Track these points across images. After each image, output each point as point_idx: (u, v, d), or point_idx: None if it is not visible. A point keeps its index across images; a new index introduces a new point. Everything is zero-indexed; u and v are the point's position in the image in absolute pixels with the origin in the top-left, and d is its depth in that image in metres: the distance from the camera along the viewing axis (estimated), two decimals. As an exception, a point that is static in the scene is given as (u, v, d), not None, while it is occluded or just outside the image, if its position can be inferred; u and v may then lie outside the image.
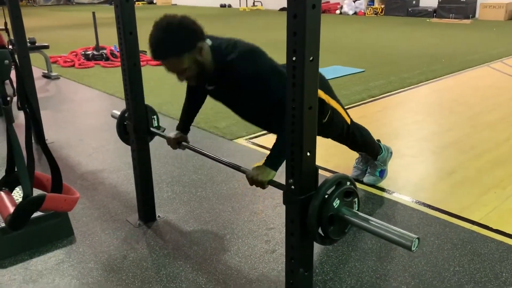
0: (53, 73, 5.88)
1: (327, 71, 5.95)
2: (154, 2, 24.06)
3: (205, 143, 3.42)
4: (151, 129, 2.18)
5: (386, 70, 5.98)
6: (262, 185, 1.62)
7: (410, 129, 3.72)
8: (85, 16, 14.83)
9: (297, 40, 1.16)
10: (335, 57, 7.03)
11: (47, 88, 5.45)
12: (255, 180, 1.63)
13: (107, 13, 12.93)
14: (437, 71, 5.84)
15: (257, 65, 1.69)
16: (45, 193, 1.26)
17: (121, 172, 2.90)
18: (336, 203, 1.33)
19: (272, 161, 1.66)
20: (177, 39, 1.61)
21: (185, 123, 2.13)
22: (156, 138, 2.26)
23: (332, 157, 3.09)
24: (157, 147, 3.01)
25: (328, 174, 2.74)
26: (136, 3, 24.96)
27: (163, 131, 2.19)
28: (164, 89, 5.05)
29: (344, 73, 5.79)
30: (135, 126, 2.11)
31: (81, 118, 4.22)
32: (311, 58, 1.19)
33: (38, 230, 2.01)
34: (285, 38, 1.19)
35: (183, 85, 2.01)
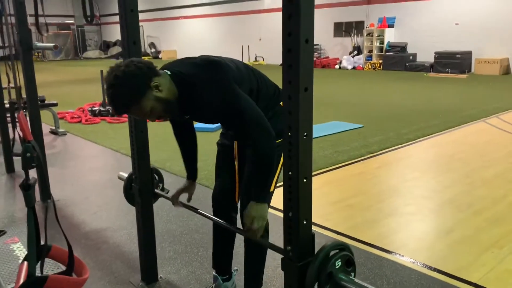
0: (60, 129, 6.06)
1: (327, 126, 6.11)
2: (160, 56, 24.89)
3: (208, 201, 3.48)
4: (156, 191, 2.26)
5: (384, 126, 6.14)
6: (261, 229, 1.68)
7: (409, 186, 3.80)
8: (92, 71, 15.36)
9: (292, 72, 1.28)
10: (334, 112, 7.23)
11: (54, 144, 5.60)
12: (253, 232, 1.68)
13: (114, 69, 13.40)
14: (434, 126, 5.99)
15: (217, 79, 1.67)
16: (49, 275, 1.33)
17: (124, 231, 2.96)
18: (334, 269, 1.38)
19: (257, 196, 1.69)
20: (127, 90, 1.58)
21: (189, 168, 2.10)
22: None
23: (331, 215, 3.15)
24: (160, 205, 3.09)
25: (327, 233, 2.79)
26: (142, 58, 25.76)
27: (167, 193, 2.27)
28: (168, 145, 5.18)
29: (343, 129, 5.94)
30: (141, 189, 2.20)
31: (86, 175, 4.32)
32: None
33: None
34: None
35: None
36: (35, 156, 1.19)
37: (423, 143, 5.23)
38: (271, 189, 1.89)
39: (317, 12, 17.31)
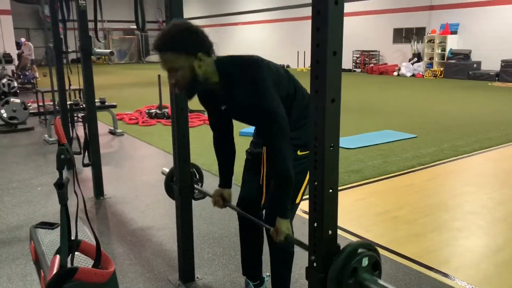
0: (118, 130, 6.38)
1: (378, 135, 5.99)
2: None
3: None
4: (196, 191, 2.34)
5: (439, 136, 5.91)
6: (284, 239, 1.71)
7: (459, 201, 3.64)
8: (153, 74, 15.95)
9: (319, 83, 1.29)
10: (388, 120, 7.07)
11: (112, 144, 5.91)
12: (279, 240, 1.71)
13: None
14: (494, 139, 5.69)
15: (255, 77, 1.70)
16: (78, 267, 1.43)
17: (167, 230, 3.08)
18: (359, 266, 1.33)
19: (282, 212, 1.73)
20: (181, 37, 1.64)
21: (224, 178, 2.09)
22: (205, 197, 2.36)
23: (373, 226, 3.10)
24: (204, 206, 3.18)
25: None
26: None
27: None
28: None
29: (395, 138, 5.79)
30: (181, 189, 2.29)
31: (138, 174, 4.53)
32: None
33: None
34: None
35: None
36: (68, 158, 1.30)
37: (479, 156, 4.98)
38: (297, 201, 1.91)
39: (376, 18, 16.99)
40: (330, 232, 1.43)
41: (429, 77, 14.62)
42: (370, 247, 1.36)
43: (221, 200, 2.05)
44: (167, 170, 2.47)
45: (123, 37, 29.26)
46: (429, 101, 9.59)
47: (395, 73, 15.56)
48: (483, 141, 5.58)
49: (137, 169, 4.74)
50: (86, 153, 3.77)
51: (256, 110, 1.71)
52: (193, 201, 2.37)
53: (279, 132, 1.67)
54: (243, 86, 1.71)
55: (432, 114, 7.74)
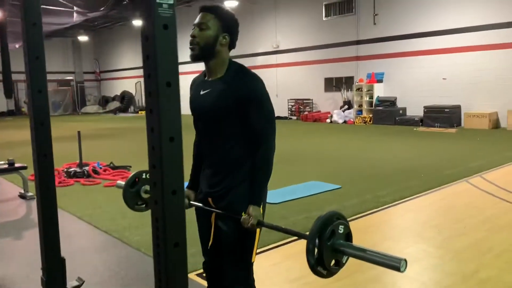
0: (29, 193, 5.88)
1: (304, 187, 5.94)
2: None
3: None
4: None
5: (364, 186, 5.96)
6: (256, 224, 1.90)
7: (375, 259, 3.55)
8: (86, 127, 15.42)
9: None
10: (317, 169, 7.13)
11: (18, 210, 5.41)
12: (252, 224, 1.89)
13: (109, 123, 13.37)
14: (414, 187, 5.80)
15: (258, 86, 1.94)
16: None
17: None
18: (336, 229, 1.45)
19: (257, 200, 1.98)
20: (226, 13, 1.95)
21: (193, 181, 2.23)
22: None
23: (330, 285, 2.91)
24: None
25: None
26: (140, 112, 26.10)
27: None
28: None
29: (320, 190, 5.76)
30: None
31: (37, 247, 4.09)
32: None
33: None
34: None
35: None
36: None
37: (399, 207, 5.01)
38: (253, 260, 2.12)
39: (308, 68, 17.65)
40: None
41: (360, 123, 15.16)
42: (345, 219, 1.49)
43: (187, 201, 2.15)
44: (122, 183, 2.21)
45: (57, 88, 28.34)
46: (357, 147, 9.83)
47: (328, 120, 16.01)
48: (404, 190, 5.66)
49: (34, 243, 4.29)
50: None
51: (254, 105, 1.91)
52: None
53: (274, 131, 1.98)
54: (242, 81, 1.91)
55: (358, 161, 7.88)
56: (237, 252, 2.06)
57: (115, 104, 27.53)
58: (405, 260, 1.31)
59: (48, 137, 1.96)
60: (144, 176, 2.17)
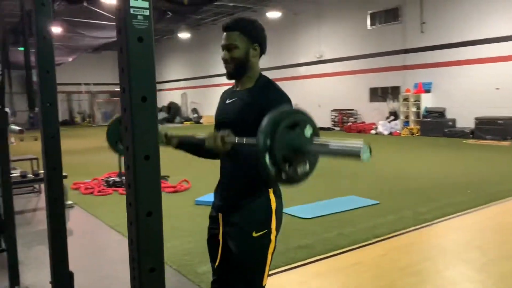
0: (68, 202, 6.04)
1: (341, 202, 5.73)
2: (201, 121, 25.57)
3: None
4: None
5: (403, 202, 5.66)
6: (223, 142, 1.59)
7: (412, 283, 3.31)
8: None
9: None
10: (359, 184, 6.94)
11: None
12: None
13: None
14: (458, 204, 5.44)
15: (283, 101, 1.83)
16: None
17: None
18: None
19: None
20: (251, 25, 1.92)
21: (183, 139, 1.95)
22: None
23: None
24: None
25: None
26: (185, 122, 26.67)
27: None
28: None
29: (357, 206, 5.53)
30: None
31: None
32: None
33: None
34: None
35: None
36: None
37: (440, 225, 4.70)
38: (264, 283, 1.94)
39: (352, 78, 17.30)
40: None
41: (406, 134, 14.62)
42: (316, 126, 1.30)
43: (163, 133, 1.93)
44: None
45: (107, 99, 29.49)
46: (400, 160, 9.44)
47: (373, 131, 15.56)
48: (447, 207, 5.32)
49: (69, 250, 4.36)
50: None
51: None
52: None
53: None
54: (267, 96, 1.86)
55: (400, 175, 7.55)
56: (247, 274, 1.95)
57: (162, 115, 28.22)
58: (369, 146, 1.09)
59: (58, 150, 1.94)
60: None
